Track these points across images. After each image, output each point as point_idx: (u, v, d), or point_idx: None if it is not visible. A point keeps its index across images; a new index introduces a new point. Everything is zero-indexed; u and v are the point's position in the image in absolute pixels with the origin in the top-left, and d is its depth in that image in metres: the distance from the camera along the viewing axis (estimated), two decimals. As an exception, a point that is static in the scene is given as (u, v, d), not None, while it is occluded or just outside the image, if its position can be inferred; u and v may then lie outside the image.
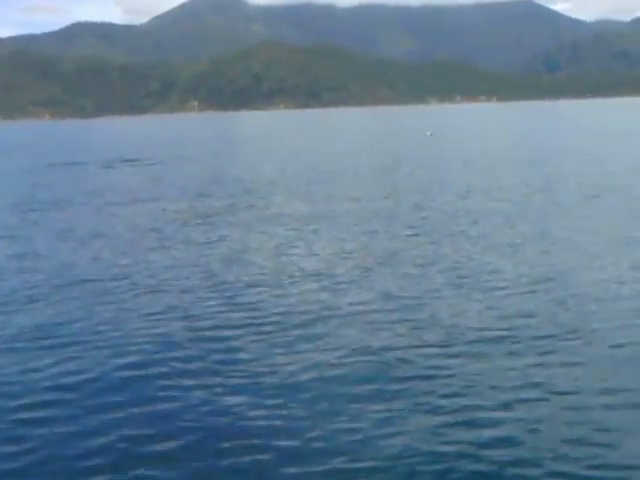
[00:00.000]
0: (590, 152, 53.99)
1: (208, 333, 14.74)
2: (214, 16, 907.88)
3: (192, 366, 12.93)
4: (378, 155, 59.59)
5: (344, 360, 12.86)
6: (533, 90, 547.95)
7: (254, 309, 16.18)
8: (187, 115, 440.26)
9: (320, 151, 69.28)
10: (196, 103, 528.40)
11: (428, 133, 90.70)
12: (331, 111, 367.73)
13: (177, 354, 13.61)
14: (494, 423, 10.33)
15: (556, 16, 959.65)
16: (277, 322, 15.16)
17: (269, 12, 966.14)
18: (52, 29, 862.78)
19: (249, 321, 15.35)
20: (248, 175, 47.74)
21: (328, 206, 30.41)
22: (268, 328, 14.81)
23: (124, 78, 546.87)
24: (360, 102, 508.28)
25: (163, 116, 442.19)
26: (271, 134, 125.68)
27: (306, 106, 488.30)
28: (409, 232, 24.34)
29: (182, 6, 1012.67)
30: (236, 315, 15.82)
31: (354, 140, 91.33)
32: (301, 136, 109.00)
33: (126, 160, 68.23)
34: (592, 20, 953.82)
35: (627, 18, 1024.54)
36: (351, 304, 16.06)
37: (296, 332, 14.62)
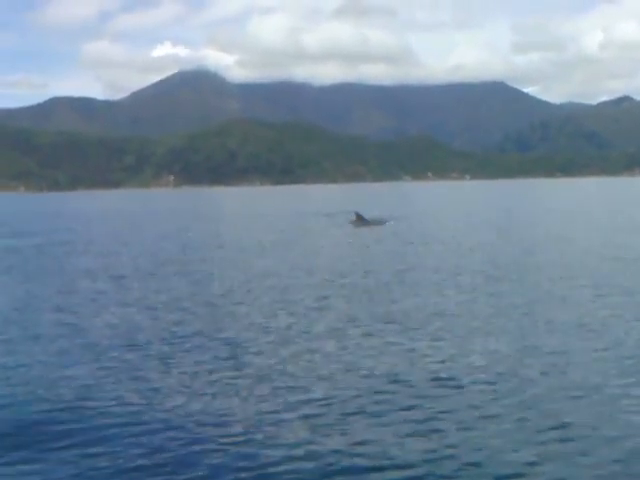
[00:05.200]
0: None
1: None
2: (191, 92, 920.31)
3: None
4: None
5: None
6: (505, 169, 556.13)
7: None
8: (159, 190, 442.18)
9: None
10: (171, 178, 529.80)
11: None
12: (298, 188, 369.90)
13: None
14: None
15: (526, 98, 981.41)
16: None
17: (245, 89, 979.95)
18: (31, 103, 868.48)
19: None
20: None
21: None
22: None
23: (99, 152, 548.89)
24: (334, 179, 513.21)
25: (136, 191, 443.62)
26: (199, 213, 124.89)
27: (279, 183, 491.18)
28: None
29: (161, 82, 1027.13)
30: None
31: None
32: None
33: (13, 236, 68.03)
34: (560, 102, 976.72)
35: (593, 101, 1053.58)
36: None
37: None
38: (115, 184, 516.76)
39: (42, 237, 65.15)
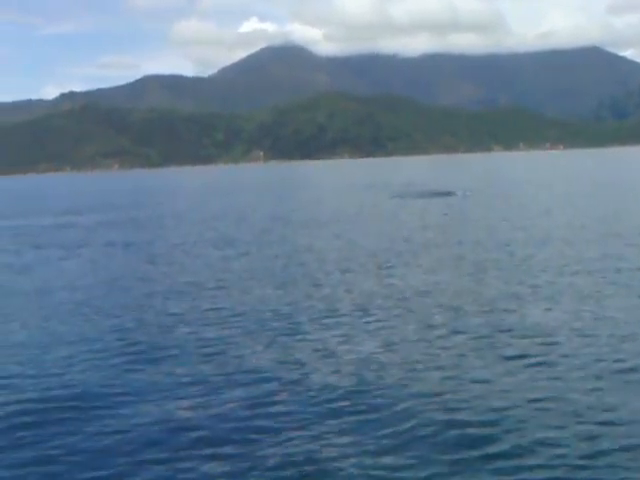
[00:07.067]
0: None
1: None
2: (280, 67, 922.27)
3: None
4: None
5: None
6: (600, 137, 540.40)
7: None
8: (249, 166, 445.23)
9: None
10: (261, 153, 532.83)
11: (460, 193, 71.11)
12: (387, 161, 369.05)
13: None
14: None
15: (623, 62, 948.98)
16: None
17: (334, 62, 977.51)
18: (123, 83, 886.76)
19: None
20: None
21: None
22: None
23: (190, 129, 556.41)
24: (424, 150, 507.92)
25: (227, 166, 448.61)
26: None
27: (369, 155, 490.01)
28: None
29: (249, 57, 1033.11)
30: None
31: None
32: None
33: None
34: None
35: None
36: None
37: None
38: (206, 160, 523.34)
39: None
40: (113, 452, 11.66)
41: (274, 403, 13.61)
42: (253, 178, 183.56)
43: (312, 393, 14.03)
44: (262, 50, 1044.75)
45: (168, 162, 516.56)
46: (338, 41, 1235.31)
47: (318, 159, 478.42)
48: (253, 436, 12.07)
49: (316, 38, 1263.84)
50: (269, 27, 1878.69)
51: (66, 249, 39.65)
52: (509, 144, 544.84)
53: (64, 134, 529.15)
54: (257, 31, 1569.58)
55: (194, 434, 12.26)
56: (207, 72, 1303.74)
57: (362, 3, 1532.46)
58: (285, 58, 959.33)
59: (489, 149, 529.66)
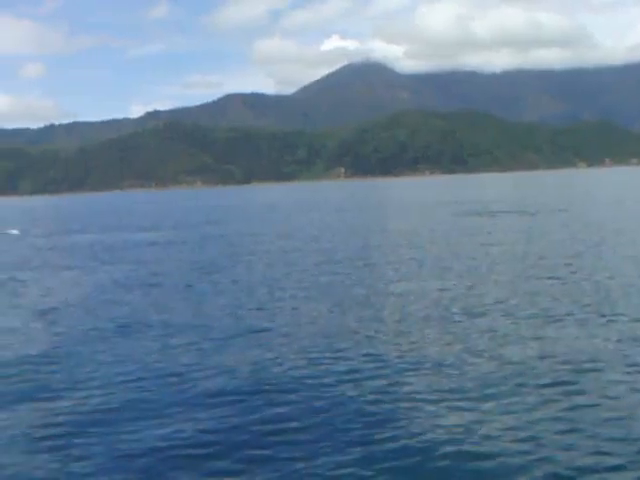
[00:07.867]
0: None
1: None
2: (360, 84, 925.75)
3: None
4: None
5: None
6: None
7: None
8: (331, 183, 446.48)
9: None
10: (342, 170, 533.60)
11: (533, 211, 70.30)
12: (465, 177, 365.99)
13: None
14: None
15: None
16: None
17: (415, 79, 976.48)
18: (206, 101, 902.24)
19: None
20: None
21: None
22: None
23: (272, 146, 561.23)
24: (506, 167, 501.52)
25: (308, 183, 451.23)
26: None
27: (451, 172, 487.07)
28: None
29: (330, 75, 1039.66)
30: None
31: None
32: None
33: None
34: None
35: None
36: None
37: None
38: (288, 177, 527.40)
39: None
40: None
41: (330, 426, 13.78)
42: (332, 195, 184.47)
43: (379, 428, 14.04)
44: (343, 68, 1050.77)
45: (250, 179, 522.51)
46: (419, 58, 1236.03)
47: (399, 176, 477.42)
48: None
49: (397, 55, 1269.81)
50: (350, 45, 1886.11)
51: (136, 264, 40.46)
52: (593, 160, 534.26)
53: (149, 152, 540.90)
54: (338, 49, 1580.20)
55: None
56: (289, 90, 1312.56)
57: (443, 19, 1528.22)
58: (366, 75, 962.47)
59: (573, 165, 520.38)
